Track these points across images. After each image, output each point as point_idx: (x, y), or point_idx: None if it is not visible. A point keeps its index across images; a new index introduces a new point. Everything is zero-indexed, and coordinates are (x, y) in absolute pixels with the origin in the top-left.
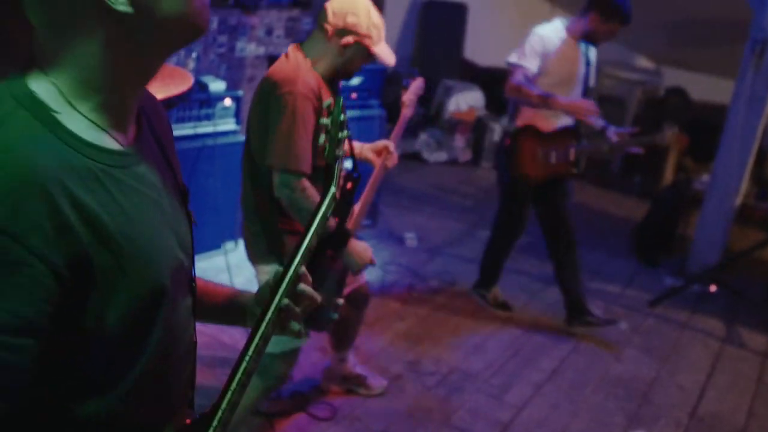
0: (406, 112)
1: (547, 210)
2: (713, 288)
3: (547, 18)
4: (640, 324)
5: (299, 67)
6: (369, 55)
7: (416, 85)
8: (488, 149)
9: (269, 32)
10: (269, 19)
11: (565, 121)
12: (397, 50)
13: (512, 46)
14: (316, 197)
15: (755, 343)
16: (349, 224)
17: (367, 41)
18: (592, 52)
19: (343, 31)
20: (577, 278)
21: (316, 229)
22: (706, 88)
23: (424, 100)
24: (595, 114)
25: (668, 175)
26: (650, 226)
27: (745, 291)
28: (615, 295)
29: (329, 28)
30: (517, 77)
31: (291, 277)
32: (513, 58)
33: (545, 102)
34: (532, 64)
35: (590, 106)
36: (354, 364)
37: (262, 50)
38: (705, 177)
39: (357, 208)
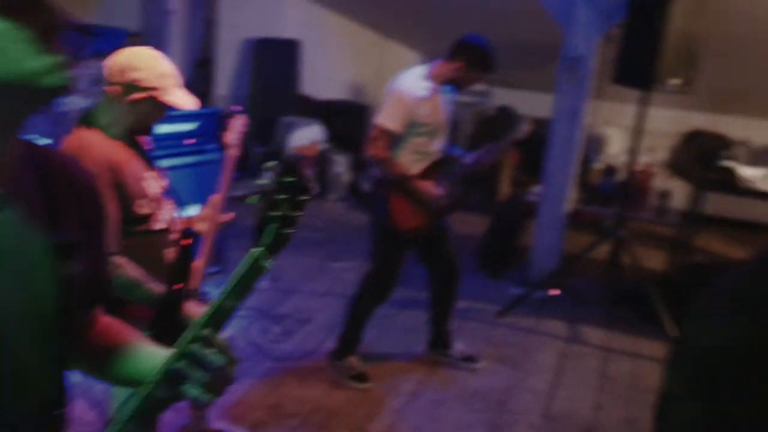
0: (231, 153)
1: (429, 248)
2: (554, 292)
3: (379, 49)
4: (491, 335)
5: (81, 147)
6: (164, 106)
7: (237, 123)
8: (333, 181)
9: (95, 83)
10: (93, 70)
11: (432, 158)
12: (233, 90)
13: (347, 79)
14: (134, 270)
15: (596, 338)
16: (192, 283)
17: (156, 93)
18: (450, 94)
19: (129, 88)
20: (449, 312)
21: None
22: (531, 104)
23: (264, 138)
24: (438, 200)
25: (504, 190)
26: (492, 240)
27: (583, 291)
28: (465, 309)
29: (113, 89)
30: (381, 144)
31: (191, 340)
32: (380, 119)
33: (402, 182)
34: (397, 125)
35: (438, 192)
36: (212, 418)
37: (88, 102)
38: (537, 188)
39: (198, 264)
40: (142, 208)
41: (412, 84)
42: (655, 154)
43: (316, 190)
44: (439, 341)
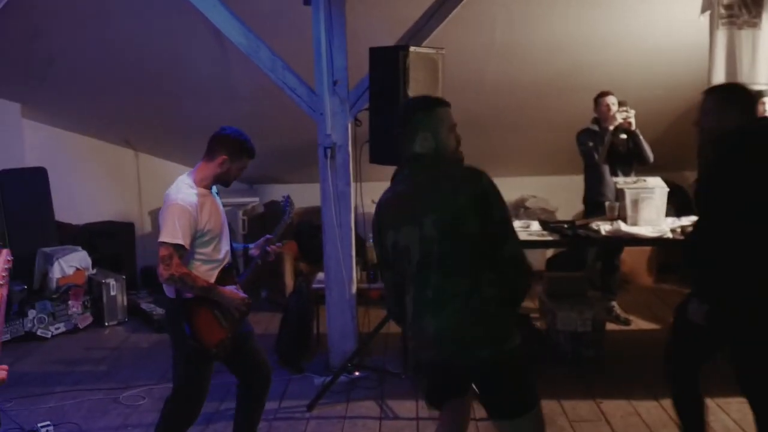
0: (1, 293)
1: (239, 356)
2: (358, 373)
3: (131, 163)
4: (303, 431)
5: None
6: None
7: (1, 259)
8: (108, 306)
9: None
10: None
11: (224, 262)
12: None
13: (106, 199)
14: None
15: (406, 410)
16: None
17: None
18: (219, 195)
19: None
20: (258, 420)
21: None
22: (301, 195)
23: (24, 274)
24: (245, 302)
25: (289, 282)
26: (286, 335)
27: (385, 365)
28: (273, 411)
29: None
30: (175, 261)
31: None
32: (166, 237)
33: (208, 293)
34: (186, 239)
35: (243, 295)
36: None
37: None
38: (321, 275)
39: None
40: None
41: (185, 193)
42: None
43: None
44: None
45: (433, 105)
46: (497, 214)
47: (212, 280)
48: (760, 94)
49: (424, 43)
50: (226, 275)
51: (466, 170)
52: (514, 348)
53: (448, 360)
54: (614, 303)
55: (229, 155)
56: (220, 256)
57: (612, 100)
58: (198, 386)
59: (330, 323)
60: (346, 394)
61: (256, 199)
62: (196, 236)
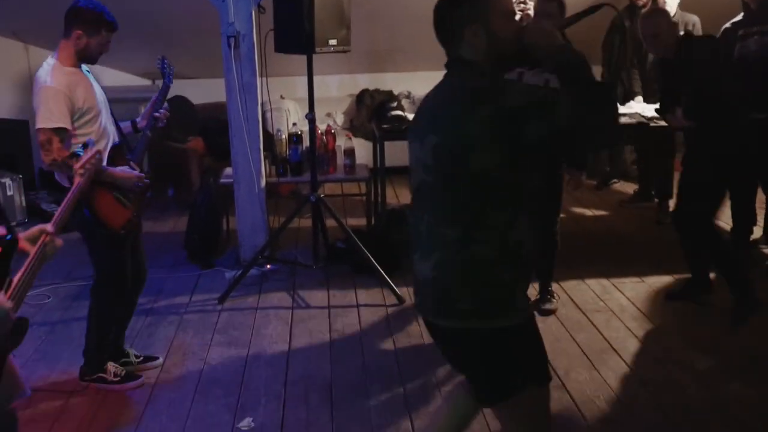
0: (79, 182)
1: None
2: (269, 266)
3: (21, 57)
4: (216, 322)
5: None
6: None
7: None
8: (8, 208)
9: None
10: None
11: (111, 139)
12: None
13: None
14: None
15: (317, 300)
16: (7, 295)
17: None
18: (91, 75)
19: None
20: (128, 319)
21: None
22: (206, 90)
23: None
24: (141, 179)
25: (196, 180)
26: (195, 231)
27: (296, 258)
28: (184, 305)
29: None
30: (56, 146)
31: None
32: (43, 123)
33: (98, 174)
34: (65, 120)
35: (137, 173)
36: None
37: None
38: (228, 170)
39: (15, 279)
40: None
41: (54, 75)
42: (332, 118)
43: None
44: (117, 351)
45: None
46: (533, 129)
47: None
48: None
49: None
50: (116, 154)
51: (485, 81)
52: (493, 329)
53: (425, 316)
54: None
55: (84, 29)
56: (104, 134)
57: None
58: (118, 268)
59: (239, 218)
60: (258, 286)
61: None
62: (75, 116)
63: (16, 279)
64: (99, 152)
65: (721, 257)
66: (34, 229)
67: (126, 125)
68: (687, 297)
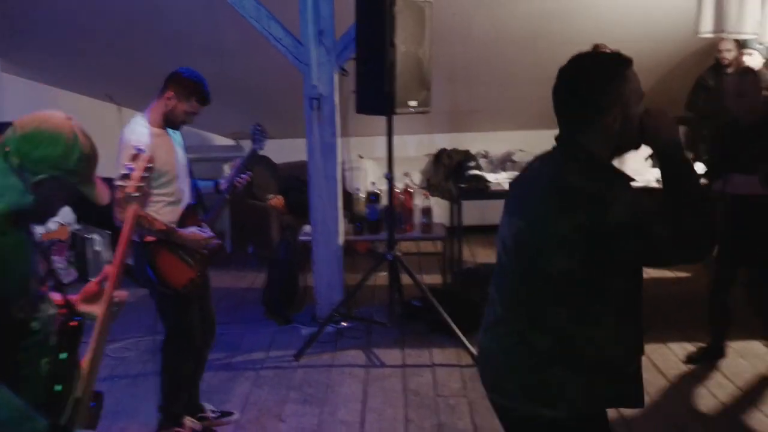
0: (135, 209)
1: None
2: (344, 323)
3: (115, 118)
4: (291, 379)
5: None
6: None
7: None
8: (93, 263)
9: None
10: None
11: (185, 201)
12: None
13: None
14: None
15: (392, 358)
16: (78, 390)
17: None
18: (178, 136)
19: None
20: (200, 374)
21: None
22: (288, 150)
23: None
24: (211, 240)
25: (275, 236)
26: (273, 288)
27: (372, 315)
28: (260, 360)
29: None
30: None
31: None
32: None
33: (167, 235)
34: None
35: (206, 235)
36: None
37: None
38: (307, 228)
39: (84, 363)
40: None
41: (139, 133)
42: (410, 177)
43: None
44: (192, 407)
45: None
46: (619, 250)
47: (173, 220)
48: (744, 45)
49: None
50: (188, 215)
51: (592, 184)
52: (556, 418)
53: (486, 385)
54: None
55: (176, 92)
56: (179, 196)
57: None
58: (185, 325)
59: (316, 275)
60: (333, 343)
61: (242, 155)
62: (153, 177)
63: (87, 355)
64: (151, 160)
65: None
66: (92, 284)
67: (208, 185)
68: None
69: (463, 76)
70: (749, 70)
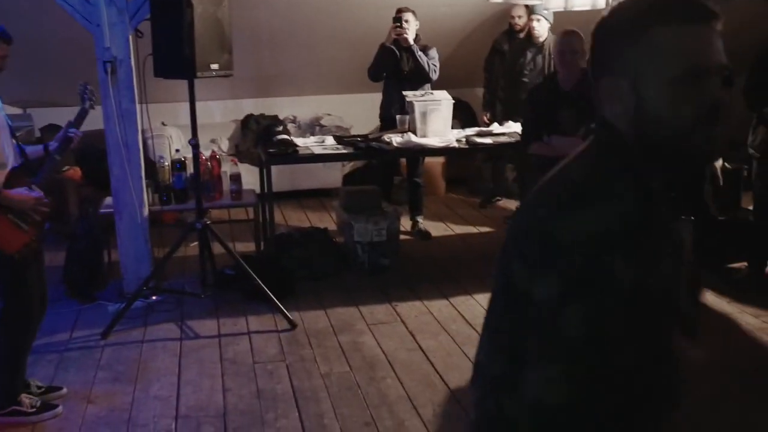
0: None
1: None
2: (154, 297)
3: None
4: (100, 358)
5: None
6: None
7: None
8: None
9: None
10: None
11: (10, 163)
12: None
13: None
14: None
15: (207, 329)
16: None
17: None
18: None
19: None
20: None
21: None
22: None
23: None
24: (40, 201)
25: (74, 210)
26: (74, 265)
27: (183, 287)
28: (64, 342)
29: None
30: None
31: None
32: None
33: None
34: None
35: (36, 195)
36: None
37: None
38: (109, 200)
39: None
40: None
41: None
42: (217, 143)
43: None
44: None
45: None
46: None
47: None
48: (533, 11)
49: None
50: (14, 177)
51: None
52: None
53: None
54: (420, 219)
55: None
56: (3, 159)
57: (406, 17)
58: (23, 294)
59: (121, 249)
60: (143, 318)
61: (30, 124)
62: None
63: None
64: None
65: None
66: None
67: (37, 149)
68: None
69: (268, 40)
70: (573, 32)
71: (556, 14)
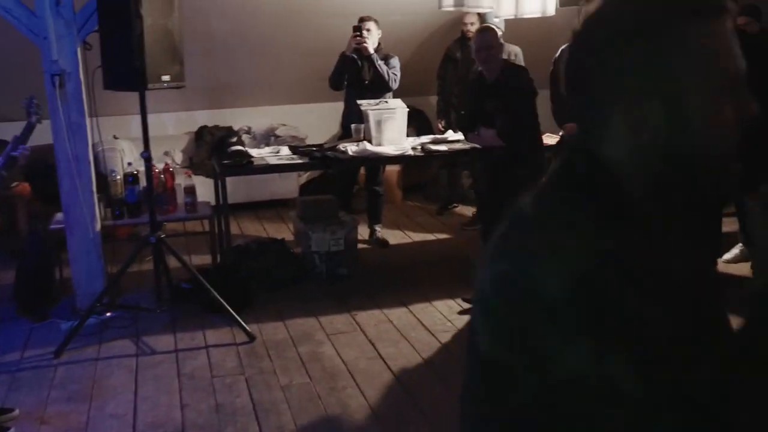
0: None
1: None
2: (108, 314)
3: None
4: (53, 378)
5: None
6: None
7: None
8: None
9: None
10: None
11: None
12: None
13: None
14: None
15: (163, 344)
16: None
17: None
18: None
19: None
20: None
21: None
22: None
23: None
24: None
25: (23, 227)
26: (24, 281)
27: (138, 302)
28: (15, 362)
29: None
30: None
31: None
32: None
33: None
34: None
35: None
36: None
37: None
38: (59, 215)
39: None
40: None
41: None
42: (170, 156)
43: None
44: None
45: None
46: None
47: None
48: (483, 18)
49: None
50: None
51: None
52: None
53: None
54: (377, 227)
55: None
56: None
57: (368, 26)
58: None
59: (73, 265)
60: (98, 335)
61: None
62: None
63: None
64: None
65: None
66: None
67: None
68: None
69: (221, 50)
70: (493, 28)
71: (507, 21)
